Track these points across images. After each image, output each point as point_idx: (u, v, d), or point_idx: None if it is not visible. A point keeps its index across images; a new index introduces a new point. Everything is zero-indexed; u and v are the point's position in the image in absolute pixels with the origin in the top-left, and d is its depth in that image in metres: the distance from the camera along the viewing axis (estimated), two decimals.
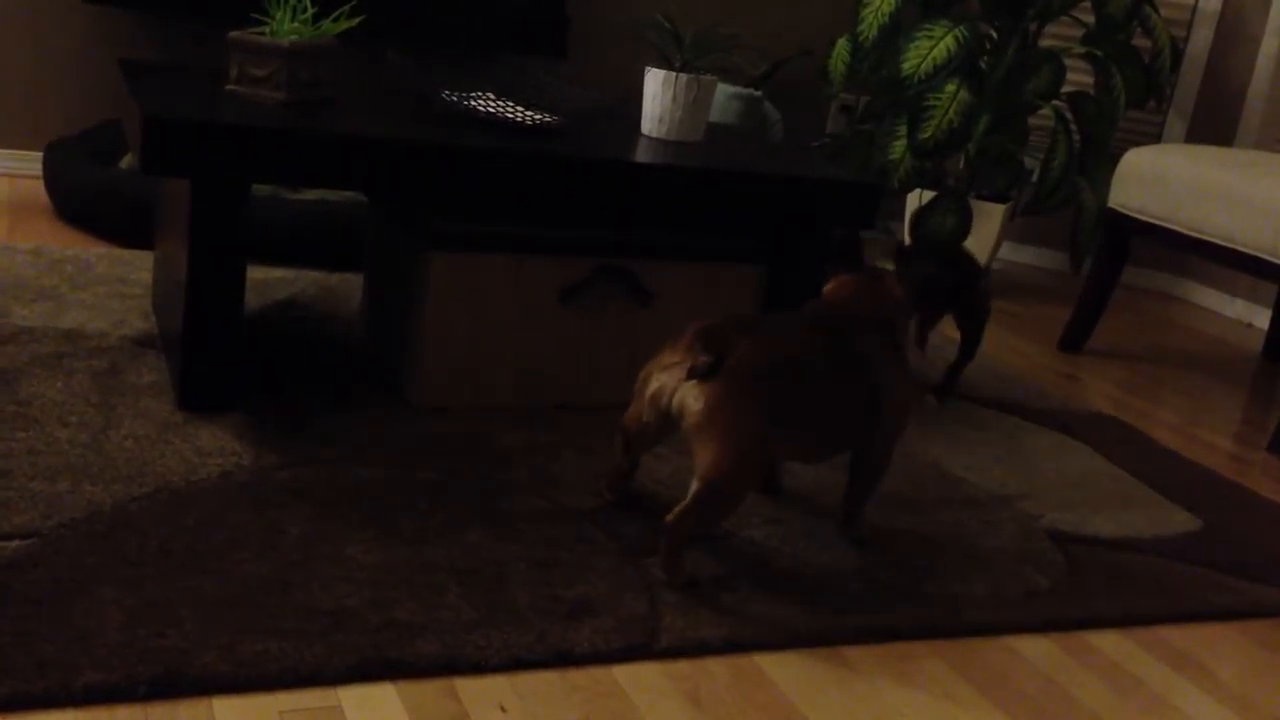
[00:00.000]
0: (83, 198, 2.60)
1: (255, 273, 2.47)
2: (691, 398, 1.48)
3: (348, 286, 2.47)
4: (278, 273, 2.49)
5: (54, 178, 2.67)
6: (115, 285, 2.25)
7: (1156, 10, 3.24)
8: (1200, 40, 3.61)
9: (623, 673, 1.31)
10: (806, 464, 1.79)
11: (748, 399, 1.47)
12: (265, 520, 1.48)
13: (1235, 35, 3.57)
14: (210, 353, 1.75)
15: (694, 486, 1.47)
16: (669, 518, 1.48)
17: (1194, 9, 3.61)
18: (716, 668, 1.35)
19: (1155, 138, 3.70)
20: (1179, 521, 1.94)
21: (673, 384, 1.51)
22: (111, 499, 1.48)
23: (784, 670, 1.37)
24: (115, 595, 1.28)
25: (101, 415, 1.71)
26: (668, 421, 1.53)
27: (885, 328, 1.66)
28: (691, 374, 1.48)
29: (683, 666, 1.34)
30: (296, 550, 1.43)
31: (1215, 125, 3.63)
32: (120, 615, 1.25)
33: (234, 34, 1.81)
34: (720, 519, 1.55)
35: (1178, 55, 3.30)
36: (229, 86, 1.84)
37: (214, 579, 1.34)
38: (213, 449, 1.65)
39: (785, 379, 1.52)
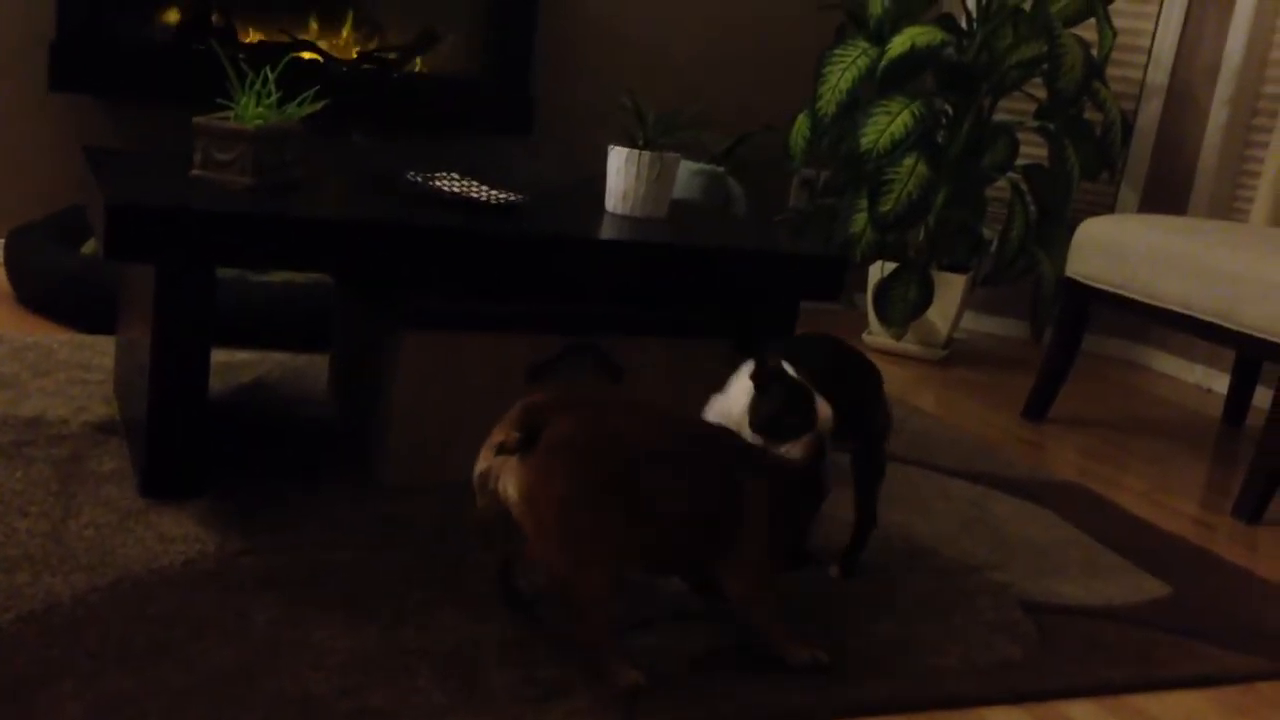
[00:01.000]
0: (45, 284, 2.58)
1: (219, 355, 2.46)
2: (510, 481, 1.34)
3: (314, 367, 2.46)
4: (242, 355, 2.48)
5: (16, 264, 2.66)
6: (77, 371, 2.23)
7: (1106, 85, 3.31)
8: (1150, 113, 3.69)
9: None
10: (654, 575, 1.58)
11: (569, 478, 1.32)
12: (231, 608, 1.46)
13: (1184, 107, 3.66)
14: (174, 438, 1.74)
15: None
16: (573, 631, 1.39)
17: (1143, 82, 3.70)
18: None
19: (1109, 208, 3.77)
20: (1148, 588, 1.94)
21: (496, 465, 1.36)
22: (71, 590, 1.45)
23: None
24: (76, 689, 1.25)
25: (62, 504, 1.68)
26: (500, 506, 1.38)
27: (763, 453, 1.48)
28: (500, 450, 1.35)
29: None
30: (264, 638, 1.40)
31: (1167, 195, 3.70)
32: (81, 710, 1.22)
33: (199, 119, 1.82)
34: (595, 609, 1.36)
35: (1128, 128, 3.38)
36: (194, 171, 1.85)
37: (178, 670, 1.31)
38: (176, 536, 1.63)
39: (613, 458, 1.35)
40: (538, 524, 1.33)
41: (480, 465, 1.39)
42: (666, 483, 1.39)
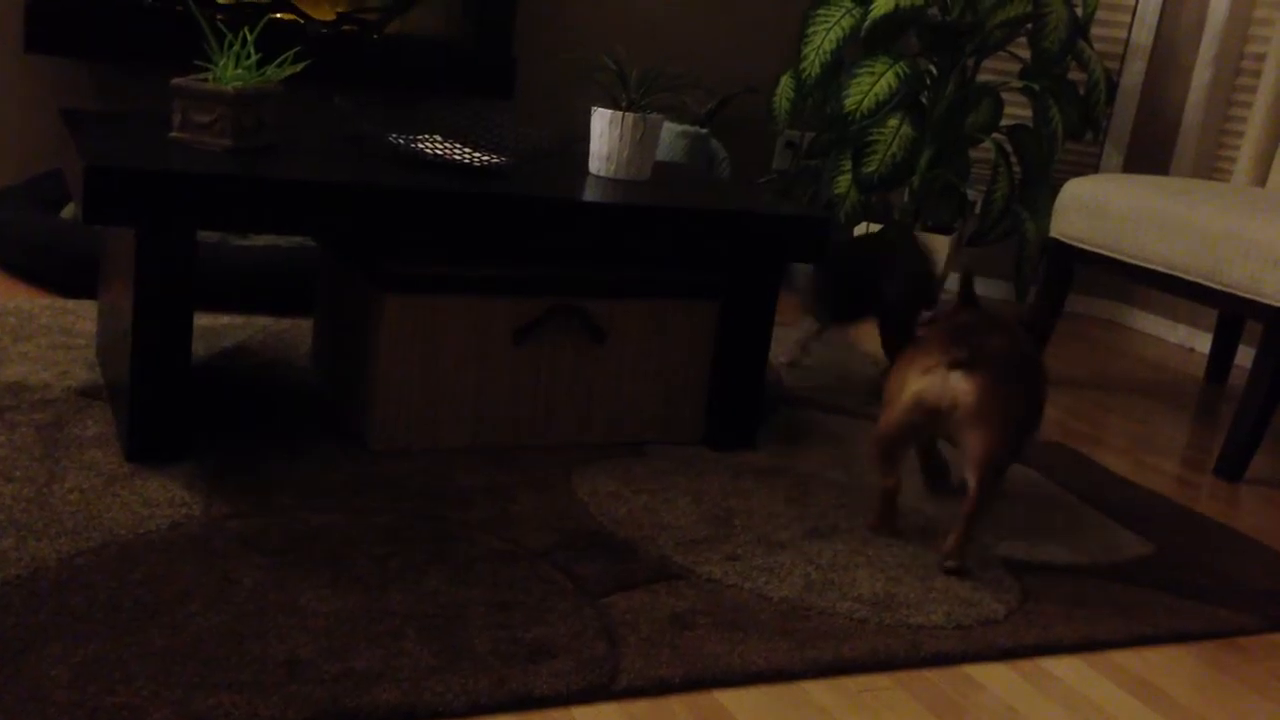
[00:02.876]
0: (24, 248, 2.56)
1: (203, 319, 2.44)
2: (962, 390, 1.68)
3: (298, 331, 2.45)
4: (225, 319, 2.47)
5: None
6: (58, 336, 2.22)
7: (1090, 44, 3.31)
8: (1134, 72, 3.69)
9: (582, 714, 1.30)
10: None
11: (1008, 385, 1.69)
12: (217, 571, 1.46)
13: (1168, 67, 3.66)
14: (157, 403, 1.73)
15: (974, 475, 1.69)
16: (965, 511, 1.71)
17: (1127, 42, 3.69)
18: (677, 706, 1.34)
19: (1093, 168, 3.77)
20: (1131, 546, 1.96)
21: (938, 382, 1.69)
22: (57, 554, 1.45)
23: (745, 706, 1.36)
24: (63, 653, 1.25)
25: (46, 469, 1.68)
26: (935, 419, 1.71)
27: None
28: (954, 365, 1.68)
29: (642, 706, 1.34)
30: (250, 601, 1.40)
31: (1151, 155, 3.70)
32: (68, 673, 1.22)
33: (177, 81, 1.80)
34: (995, 499, 1.82)
35: (1112, 87, 3.38)
36: (173, 134, 1.83)
37: (165, 633, 1.32)
38: (161, 500, 1.63)
39: (1024, 372, 1.74)
40: (989, 417, 1.68)
41: (915, 387, 1.71)
42: (1032, 389, 1.78)
